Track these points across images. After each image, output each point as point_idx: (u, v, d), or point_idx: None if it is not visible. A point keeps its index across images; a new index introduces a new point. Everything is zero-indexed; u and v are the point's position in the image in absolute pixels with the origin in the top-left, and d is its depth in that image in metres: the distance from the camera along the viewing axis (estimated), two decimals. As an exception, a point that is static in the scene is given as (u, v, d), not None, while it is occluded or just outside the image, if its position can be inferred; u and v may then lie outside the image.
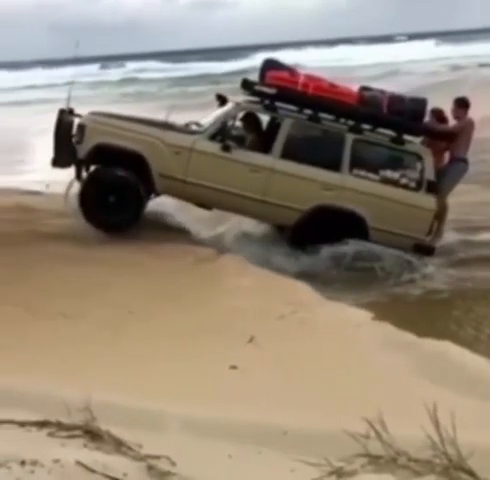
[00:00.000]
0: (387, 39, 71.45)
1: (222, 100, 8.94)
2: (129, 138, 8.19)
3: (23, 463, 2.58)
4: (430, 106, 8.59)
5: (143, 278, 6.97)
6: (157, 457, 2.91)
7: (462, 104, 8.80)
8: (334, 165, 8.35)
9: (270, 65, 8.81)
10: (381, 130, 8.55)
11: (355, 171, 8.36)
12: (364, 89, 8.86)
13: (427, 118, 8.63)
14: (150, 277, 7.02)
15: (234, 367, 4.76)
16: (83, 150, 8.27)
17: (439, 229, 8.69)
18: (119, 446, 2.98)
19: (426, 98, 8.59)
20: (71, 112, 8.58)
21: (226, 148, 8.24)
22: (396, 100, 8.45)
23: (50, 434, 3.02)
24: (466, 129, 8.67)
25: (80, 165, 8.51)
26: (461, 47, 52.87)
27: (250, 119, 8.73)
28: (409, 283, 7.85)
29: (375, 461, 2.82)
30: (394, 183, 8.40)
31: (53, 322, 5.73)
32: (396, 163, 8.54)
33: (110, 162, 8.26)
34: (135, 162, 8.18)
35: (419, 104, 8.45)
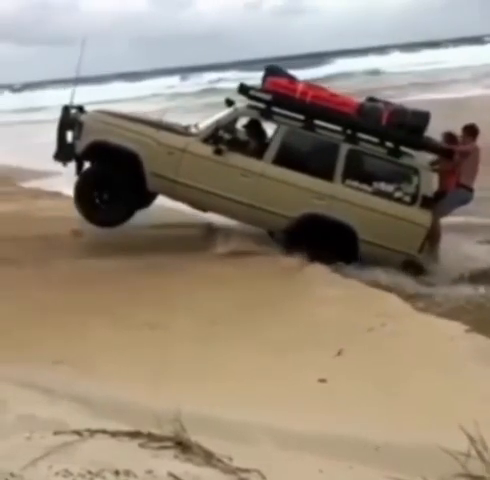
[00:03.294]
0: (475, 40, 69.17)
1: (230, 105, 8.87)
2: (124, 136, 8.34)
3: (117, 473, 2.60)
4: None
5: (228, 288, 6.98)
6: (247, 470, 2.88)
7: (470, 131, 8.54)
8: (327, 174, 8.20)
9: (271, 72, 8.80)
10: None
11: (348, 181, 8.19)
12: (370, 100, 8.75)
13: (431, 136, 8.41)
14: (235, 287, 7.03)
15: (323, 380, 4.69)
16: (80, 146, 8.50)
17: (433, 251, 8.36)
18: (209, 458, 2.96)
19: (429, 112, 8.33)
20: (81, 109, 8.84)
21: (218, 151, 8.25)
22: (397, 113, 8.26)
23: (141, 445, 3.03)
24: (471, 155, 8.37)
25: (80, 161, 8.73)
26: None
27: (253, 126, 8.73)
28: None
29: (476, 482, 2.69)
30: (388, 196, 8.18)
31: (139, 332, 5.80)
32: (391, 176, 8.30)
33: (105, 159, 8.44)
34: (129, 160, 8.31)
35: (420, 118, 8.22)
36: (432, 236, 8.31)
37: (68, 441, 2.96)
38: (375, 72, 46.08)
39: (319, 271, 7.56)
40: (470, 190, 8.45)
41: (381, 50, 69.23)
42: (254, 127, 8.75)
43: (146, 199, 9.24)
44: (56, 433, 3.05)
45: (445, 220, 8.76)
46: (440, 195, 8.45)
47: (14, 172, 15.50)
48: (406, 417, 4.08)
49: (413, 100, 22.33)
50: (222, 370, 4.92)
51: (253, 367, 4.97)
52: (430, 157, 8.58)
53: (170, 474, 2.63)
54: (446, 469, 2.86)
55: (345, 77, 43.25)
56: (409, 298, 7.11)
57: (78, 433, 3.08)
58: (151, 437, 3.08)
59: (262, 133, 8.84)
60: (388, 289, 7.33)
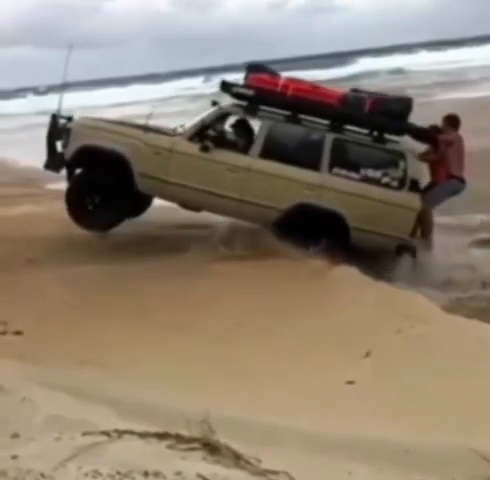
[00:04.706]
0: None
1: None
2: (111, 139, 8.44)
3: (146, 474, 2.59)
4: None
5: (256, 290, 6.95)
6: (276, 472, 2.86)
7: (451, 122, 8.55)
8: (313, 164, 8.28)
9: (253, 69, 8.91)
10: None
11: (335, 170, 8.26)
12: (353, 91, 8.85)
13: None
14: (263, 289, 6.99)
15: (351, 382, 4.66)
16: (69, 153, 8.60)
17: (427, 241, 8.31)
18: (238, 460, 2.94)
19: (411, 98, 8.45)
20: (69, 119, 8.91)
21: (204, 148, 8.31)
22: (379, 101, 8.36)
23: (169, 446, 3.01)
24: (455, 144, 8.35)
25: (70, 168, 8.83)
26: None
27: (241, 125, 8.78)
28: None
29: (510, 485, 2.65)
30: (376, 182, 8.24)
31: (166, 333, 5.80)
32: (378, 162, 8.38)
33: (94, 163, 8.51)
34: (118, 162, 8.38)
35: (403, 104, 8.32)
36: (425, 226, 8.33)
37: (97, 442, 2.96)
38: (399, 71, 45.79)
39: (347, 273, 7.50)
40: (462, 181, 8.43)
41: (407, 49, 68.78)
42: (241, 126, 8.81)
43: (141, 205, 9.39)
44: (85, 434, 3.05)
45: (468, 222, 8.71)
46: (432, 186, 8.47)
47: (39, 174, 15.56)
48: (436, 419, 4.03)
49: (438, 99, 22.17)
50: (249, 371, 4.92)
51: (280, 368, 4.96)
52: (420, 149, 8.61)
53: (199, 475, 2.61)
54: (477, 472, 2.83)
55: (370, 76, 43.01)
56: (432, 300, 7.08)
57: (106, 434, 3.08)
58: (179, 438, 3.06)
59: (250, 131, 8.89)
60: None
